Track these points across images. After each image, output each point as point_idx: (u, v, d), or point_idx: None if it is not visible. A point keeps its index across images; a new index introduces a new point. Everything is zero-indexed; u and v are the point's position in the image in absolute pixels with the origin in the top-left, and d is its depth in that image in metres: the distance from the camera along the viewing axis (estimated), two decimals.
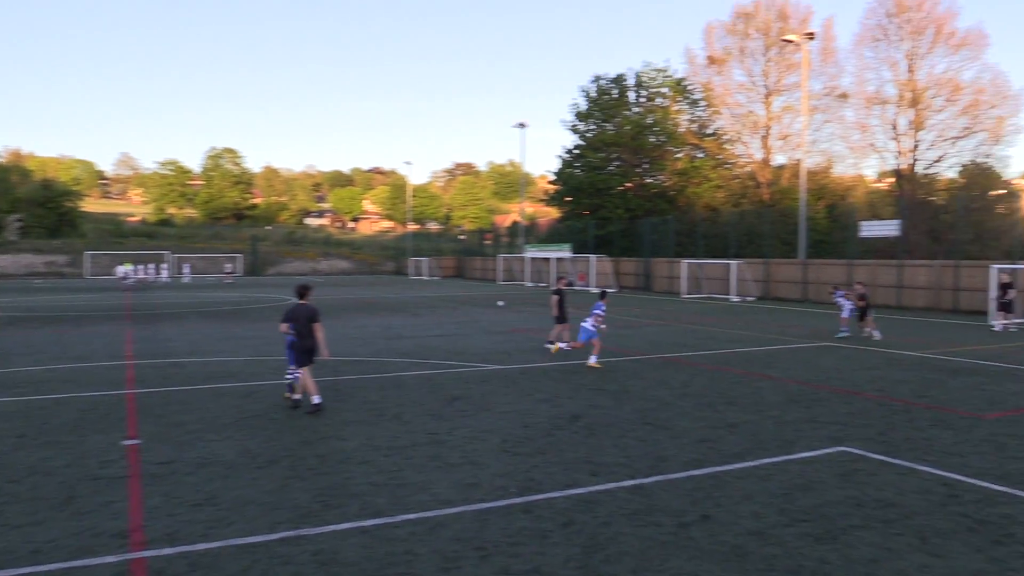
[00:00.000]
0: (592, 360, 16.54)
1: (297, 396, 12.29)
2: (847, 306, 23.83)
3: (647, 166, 62.91)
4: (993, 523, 7.30)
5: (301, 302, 12.18)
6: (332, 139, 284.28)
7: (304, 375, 12.08)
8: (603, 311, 17.00)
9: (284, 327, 12.15)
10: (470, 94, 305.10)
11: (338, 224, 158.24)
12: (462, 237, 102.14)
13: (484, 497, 8.04)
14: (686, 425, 11.18)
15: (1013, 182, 60.35)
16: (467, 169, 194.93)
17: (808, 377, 15.54)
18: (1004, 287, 25.78)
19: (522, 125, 70.69)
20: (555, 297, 19.53)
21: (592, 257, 54.12)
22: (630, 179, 62.75)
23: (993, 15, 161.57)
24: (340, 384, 14.27)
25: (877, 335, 22.86)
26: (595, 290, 50.69)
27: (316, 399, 11.95)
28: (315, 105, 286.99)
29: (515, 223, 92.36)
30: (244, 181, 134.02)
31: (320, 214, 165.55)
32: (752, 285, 43.04)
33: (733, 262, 43.20)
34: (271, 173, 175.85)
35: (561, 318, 19.53)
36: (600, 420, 11.50)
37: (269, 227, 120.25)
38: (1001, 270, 27.28)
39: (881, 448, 9.90)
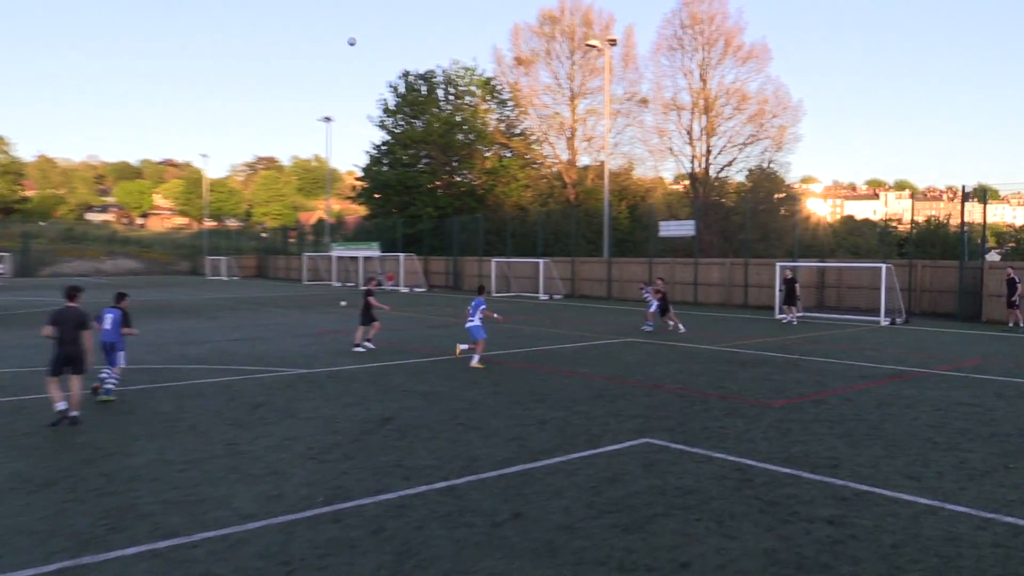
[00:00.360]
0: (475, 360, 16.81)
1: (71, 412, 11.20)
2: (654, 302, 25.37)
3: (456, 164, 63.50)
4: (780, 504, 7.96)
5: (69, 304, 11.26)
6: (117, 127, 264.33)
7: (51, 385, 11.05)
8: (484, 307, 17.35)
9: (48, 331, 11.14)
10: (272, 85, 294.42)
11: (125, 220, 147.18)
12: (264, 235, 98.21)
13: (289, 509, 7.74)
14: (497, 424, 11.34)
15: (794, 186, 66.67)
16: (269, 163, 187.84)
17: (613, 372, 16.28)
18: (788, 282, 28.46)
19: (328, 119, 69.11)
20: (371, 297, 19.77)
21: (401, 256, 53.85)
22: (439, 177, 63.07)
23: (775, 31, 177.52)
24: (128, 395, 13.24)
25: (682, 328, 24.87)
26: (421, 289, 50.50)
27: (60, 405, 10.99)
28: (98, 90, 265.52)
29: (321, 220, 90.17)
30: (13, 171, 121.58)
31: (104, 209, 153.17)
32: (560, 283, 44.56)
33: (541, 261, 44.52)
34: (46, 163, 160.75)
35: (368, 318, 19.79)
36: (411, 422, 11.42)
37: (43, 223, 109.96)
38: (784, 267, 30.04)
39: (681, 438, 10.52)
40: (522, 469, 9.06)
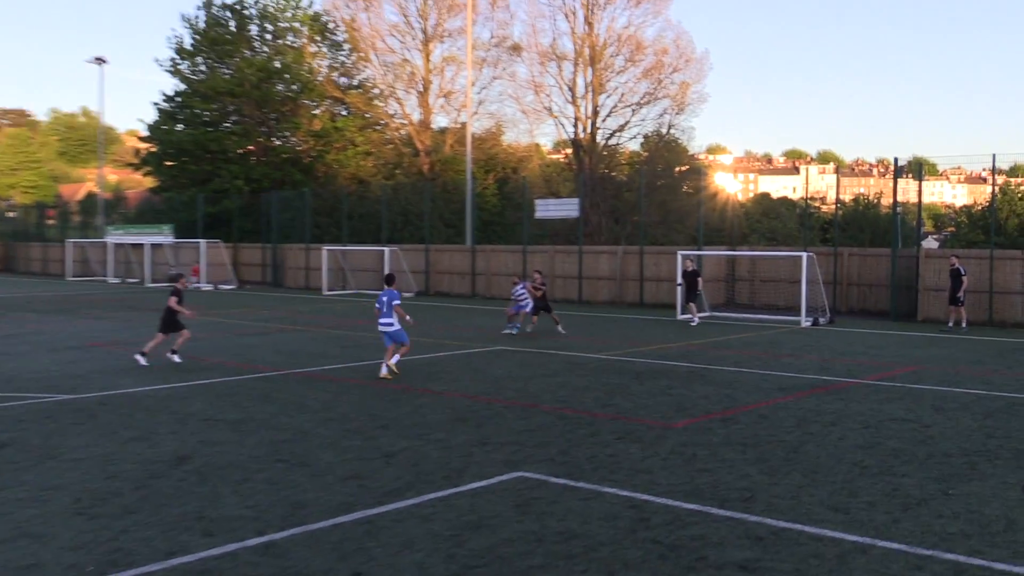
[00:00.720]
0: (384, 370, 17.69)
1: None
2: (523, 301, 25.74)
3: (275, 124, 62.27)
4: (684, 547, 8.22)
5: None
6: None
7: None
8: (399, 302, 18.15)
9: None
10: (23, 13, 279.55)
11: None
12: (11, 214, 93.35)
13: None
14: (330, 459, 11.21)
15: (699, 157, 69.22)
16: (18, 118, 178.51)
17: (479, 389, 16.40)
18: (689, 275, 29.47)
19: (100, 61, 66.37)
20: (173, 299, 19.64)
21: (202, 243, 52.36)
22: (253, 140, 61.66)
23: None
24: None
25: (562, 330, 25.77)
26: (229, 286, 49.10)
27: None
28: None
29: (91, 195, 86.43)
30: None
31: None
32: (411, 278, 44.53)
33: (387, 249, 44.35)
34: None
35: (173, 325, 19.75)
36: (216, 460, 11.13)
37: None
38: (686, 256, 31.11)
39: (563, 470, 10.70)
40: (363, 516, 8.98)
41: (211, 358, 20.50)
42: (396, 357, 18.03)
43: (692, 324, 28.81)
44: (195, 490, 9.90)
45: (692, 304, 29.34)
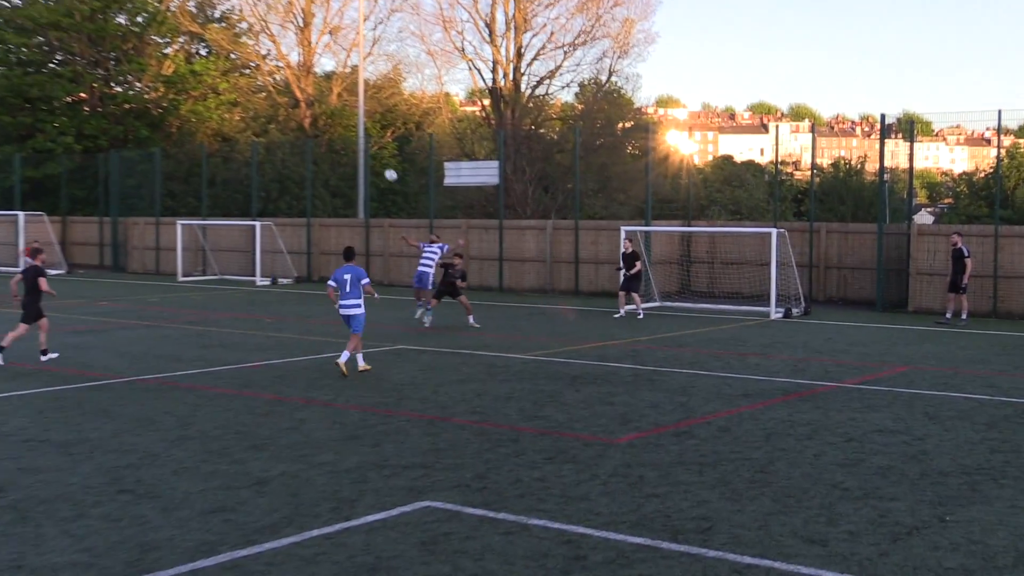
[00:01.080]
0: (352, 361, 18.87)
1: None
2: (428, 265, 26.40)
3: (115, 65, 61.09)
4: None
5: None
6: None
7: None
8: (368, 281, 19.20)
9: None
10: None
11: None
12: None
13: None
14: (187, 488, 11.07)
15: (646, 111, 69.63)
16: None
17: (376, 399, 16.37)
18: (629, 257, 29.57)
19: None
20: (43, 280, 20.30)
21: (20, 216, 51.14)
22: (86, 86, 60.43)
23: None
24: None
25: (473, 320, 26.35)
26: (57, 271, 48.02)
27: None
28: None
29: None
30: None
31: None
32: (289, 261, 44.14)
33: (258, 223, 43.89)
34: None
35: (35, 313, 20.26)
36: (40, 492, 10.92)
37: None
38: (629, 233, 31.28)
39: (480, 498, 10.71)
40: (229, 559, 8.89)
41: (32, 363, 20.08)
42: (346, 355, 18.73)
43: (638, 317, 29.07)
44: (12, 531, 9.69)
45: (635, 294, 29.59)
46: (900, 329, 27.08)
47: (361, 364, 19.01)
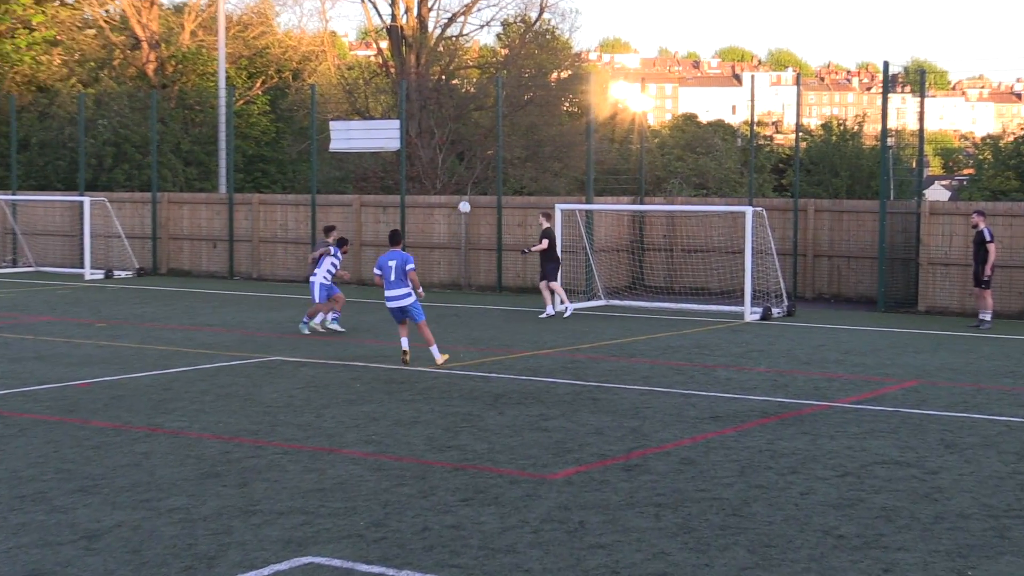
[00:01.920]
0: (436, 356, 21.61)
1: None
2: (320, 279, 25.81)
3: None
4: None
5: None
6: None
7: None
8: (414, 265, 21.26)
9: None
10: None
11: None
12: None
13: None
14: None
15: (587, 58, 69.65)
16: None
17: (241, 425, 16.30)
18: (546, 236, 29.64)
19: None
20: None
21: None
22: None
23: None
24: None
25: (331, 322, 26.68)
26: None
27: None
28: None
29: None
30: None
31: None
32: (129, 247, 43.69)
33: (86, 199, 43.35)
34: None
35: None
36: None
37: None
38: (545, 213, 31.14)
39: (378, 552, 10.67)
40: None
41: None
42: (435, 352, 21.41)
43: (564, 316, 29.28)
44: None
45: (555, 283, 29.77)
46: (908, 334, 27.40)
47: (438, 356, 21.46)
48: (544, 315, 29.55)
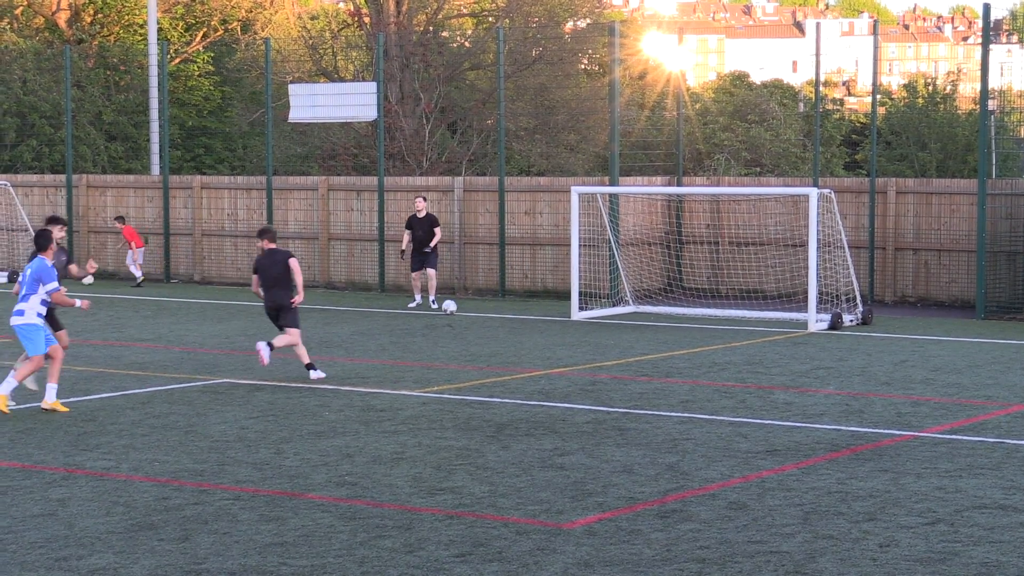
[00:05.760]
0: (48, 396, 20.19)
1: None
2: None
3: None
4: None
5: None
6: None
7: None
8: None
9: None
10: None
11: None
12: None
13: None
14: None
15: (610, 3, 69.43)
16: None
17: (182, 464, 16.38)
18: (424, 224, 29.83)
19: None
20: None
21: None
22: None
23: None
24: None
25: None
26: None
27: None
28: None
29: None
30: None
31: None
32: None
33: None
34: None
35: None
36: None
37: None
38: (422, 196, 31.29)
39: None
40: None
41: None
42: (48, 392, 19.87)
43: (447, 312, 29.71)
44: None
45: (433, 270, 30.32)
46: (1014, 346, 27.40)
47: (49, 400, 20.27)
48: (414, 304, 30.16)
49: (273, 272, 21.63)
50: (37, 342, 19.61)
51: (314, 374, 22.29)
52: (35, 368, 19.85)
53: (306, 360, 22.49)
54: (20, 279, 20.50)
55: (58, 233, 26.08)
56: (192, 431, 18.48)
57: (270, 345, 22.29)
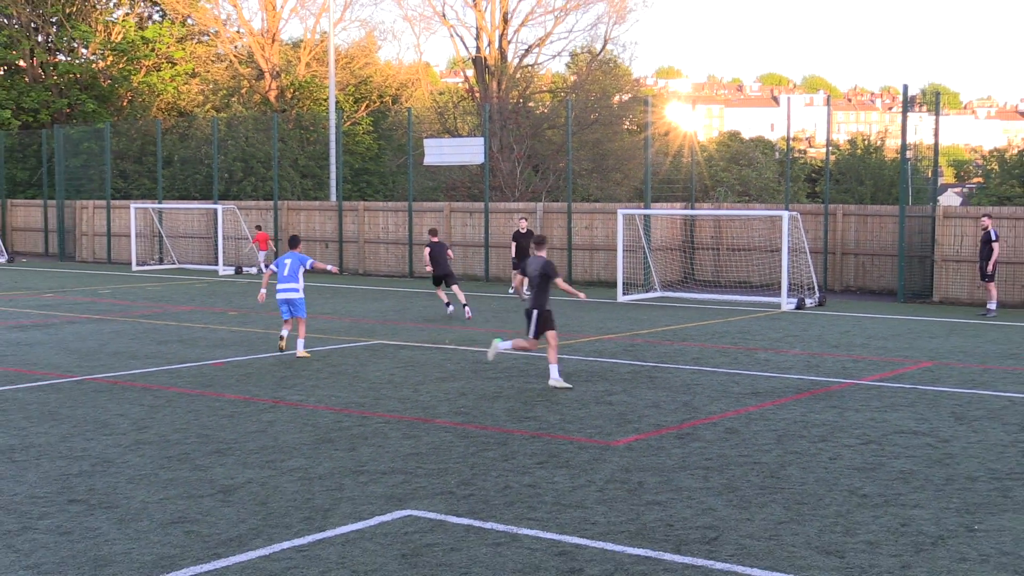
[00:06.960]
0: (300, 348, 20.74)
1: None
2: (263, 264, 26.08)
3: (57, 31, 60.81)
4: None
5: None
6: None
7: None
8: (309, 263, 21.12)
9: None
10: None
11: None
12: None
13: None
14: (145, 498, 11.09)
15: (644, 83, 69.43)
16: None
17: (350, 399, 16.45)
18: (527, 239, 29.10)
19: None
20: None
21: None
22: (23, 53, 60.13)
23: None
24: None
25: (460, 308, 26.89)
26: None
27: None
28: None
29: None
30: None
31: None
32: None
33: (219, 207, 43.75)
34: None
35: None
36: None
37: None
38: (522, 217, 31.28)
39: (466, 506, 10.76)
40: (192, 574, 8.92)
41: None
42: (300, 343, 20.91)
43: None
44: None
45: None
46: (924, 321, 27.17)
47: (301, 350, 20.82)
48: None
49: (532, 272, 18.72)
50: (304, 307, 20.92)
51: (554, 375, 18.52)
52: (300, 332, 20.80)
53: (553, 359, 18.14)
54: (276, 268, 21.05)
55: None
56: (357, 376, 18.57)
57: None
